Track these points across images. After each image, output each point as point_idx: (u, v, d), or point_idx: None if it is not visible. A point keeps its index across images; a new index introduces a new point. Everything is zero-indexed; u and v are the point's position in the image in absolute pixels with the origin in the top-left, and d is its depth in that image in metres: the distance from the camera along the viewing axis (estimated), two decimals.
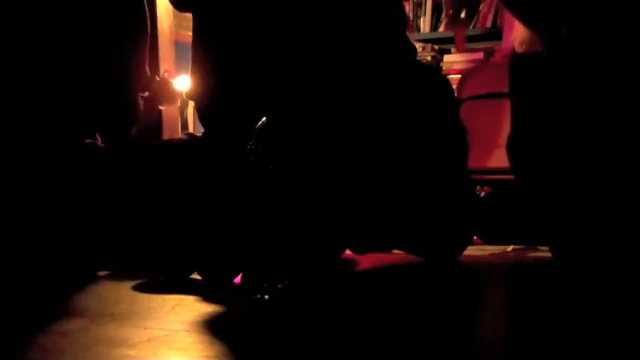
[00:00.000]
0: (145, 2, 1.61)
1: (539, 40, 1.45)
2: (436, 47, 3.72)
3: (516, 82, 1.59)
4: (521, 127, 1.57)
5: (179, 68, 2.32)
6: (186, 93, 1.71)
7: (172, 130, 2.26)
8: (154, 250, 1.44)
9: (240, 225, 1.28)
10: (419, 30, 3.82)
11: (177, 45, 2.35)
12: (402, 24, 1.56)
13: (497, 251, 1.70)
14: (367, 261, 1.56)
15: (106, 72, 1.55)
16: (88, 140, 1.56)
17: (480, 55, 3.56)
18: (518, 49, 1.53)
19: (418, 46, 3.57)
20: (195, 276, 1.40)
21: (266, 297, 1.17)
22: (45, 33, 1.50)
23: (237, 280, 1.33)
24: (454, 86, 2.29)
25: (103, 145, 1.58)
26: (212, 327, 1.02)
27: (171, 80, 1.92)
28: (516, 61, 1.57)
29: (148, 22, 1.61)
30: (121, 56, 1.57)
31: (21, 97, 1.51)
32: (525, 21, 1.47)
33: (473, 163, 1.58)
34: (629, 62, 1.31)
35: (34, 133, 1.50)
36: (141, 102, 1.62)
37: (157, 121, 2.08)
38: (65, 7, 1.52)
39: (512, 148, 1.58)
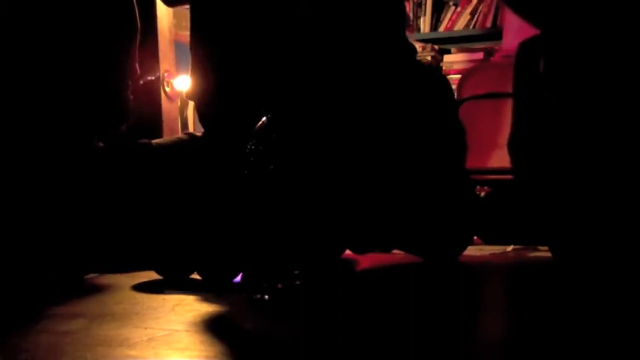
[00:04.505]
0: None
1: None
2: (436, 47, 3.73)
3: (520, 80, 1.59)
4: (522, 125, 1.56)
5: (179, 68, 2.32)
6: (186, 93, 1.71)
7: (172, 130, 2.26)
8: (153, 251, 1.43)
9: (240, 225, 1.28)
10: (419, 30, 3.82)
11: (177, 45, 2.36)
12: (402, 23, 1.56)
13: (497, 251, 1.70)
14: (367, 261, 1.56)
15: (97, 70, 1.55)
16: (89, 141, 1.56)
17: (479, 55, 3.57)
18: None
19: (418, 46, 3.58)
20: (195, 276, 1.40)
21: (266, 297, 1.17)
22: (34, 31, 1.50)
23: (237, 280, 1.33)
24: (454, 86, 2.29)
25: (102, 145, 1.58)
26: (212, 327, 1.02)
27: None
28: (522, 57, 1.56)
29: (138, 18, 1.61)
30: (111, 53, 1.57)
31: (16, 96, 1.51)
32: (526, 18, 1.47)
33: (473, 163, 1.58)
34: (631, 60, 1.31)
35: (32, 133, 1.50)
36: (131, 98, 1.62)
37: (146, 119, 2.08)
38: (53, 5, 1.52)
39: (513, 147, 1.57)
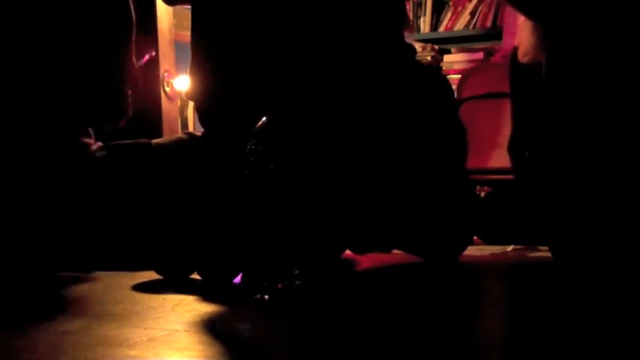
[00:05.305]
0: None
1: (543, 48, 1.44)
2: (436, 47, 3.73)
3: (516, 83, 1.59)
4: (521, 127, 1.57)
5: (179, 68, 2.32)
6: (185, 93, 1.71)
7: (172, 130, 2.26)
8: (154, 251, 1.43)
9: (240, 225, 1.28)
10: (419, 30, 3.82)
11: (177, 45, 2.36)
12: (401, 24, 1.56)
13: (497, 251, 1.70)
14: (367, 261, 1.56)
15: (94, 65, 1.54)
16: (85, 138, 1.56)
17: (479, 55, 3.56)
18: (523, 60, 1.52)
19: (418, 46, 3.58)
20: (195, 276, 1.40)
21: (266, 297, 1.17)
22: (30, 28, 1.50)
23: (237, 280, 1.33)
24: (454, 86, 2.29)
25: (101, 144, 1.58)
26: (212, 327, 1.02)
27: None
28: (516, 61, 1.57)
29: (133, 13, 1.60)
30: (107, 48, 1.56)
31: (13, 94, 1.51)
32: (526, 13, 1.47)
33: (473, 163, 1.58)
34: (630, 59, 1.31)
35: (29, 131, 1.50)
36: (129, 93, 1.62)
37: (146, 119, 2.08)
38: (48, 3, 1.52)
39: (513, 149, 1.58)
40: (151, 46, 2.16)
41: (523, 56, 1.52)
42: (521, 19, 1.53)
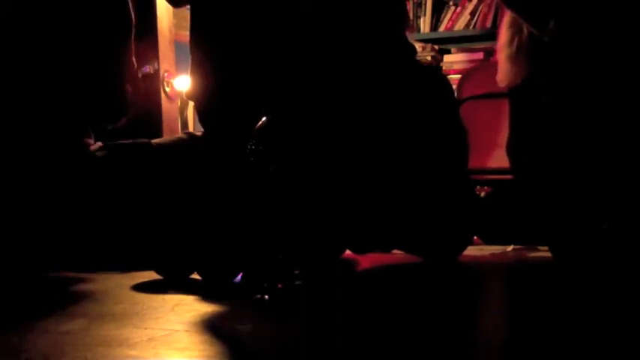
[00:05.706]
0: None
1: (520, 74, 1.47)
2: (436, 47, 3.72)
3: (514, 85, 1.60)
4: (520, 128, 1.57)
5: (179, 68, 2.32)
6: (186, 93, 1.71)
7: (172, 130, 2.26)
8: (154, 251, 1.43)
9: (240, 225, 1.28)
10: (419, 30, 3.82)
11: (177, 45, 2.35)
12: (402, 24, 1.56)
13: (497, 251, 1.70)
14: (367, 261, 1.56)
15: (94, 64, 1.54)
16: (84, 138, 1.56)
17: (479, 55, 3.56)
18: (500, 84, 1.56)
19: (418, 46, 3.57)
20: (195, 276, 1.40)
21: (266, 297, 1.17)
22: (31, 28, 1.50)
23: (237, 280, 1.33)
24: (454, 86, 2.29)
25: (101, 144, 1.58)
26: (212, 327, 1.02)
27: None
28: None
29: (132, 12, 1.61)
30: (107, 47, 1.57)
31: (14, 94, 1.51)
32: (521, 15, 1.48)
33: (473, 163, 1.58)
34: (625, 59, 1.31)
35: (29, 131, 1.50)
36: (129, 90, 1.62)
37: (146, 119, 2.08)
38: (48, 3, 1.52)
39: (511, 150, 1.58)
40: (151, 46, 2.16)
41: (500, 82, 1.56)
42: (500, 42, 1.56)
